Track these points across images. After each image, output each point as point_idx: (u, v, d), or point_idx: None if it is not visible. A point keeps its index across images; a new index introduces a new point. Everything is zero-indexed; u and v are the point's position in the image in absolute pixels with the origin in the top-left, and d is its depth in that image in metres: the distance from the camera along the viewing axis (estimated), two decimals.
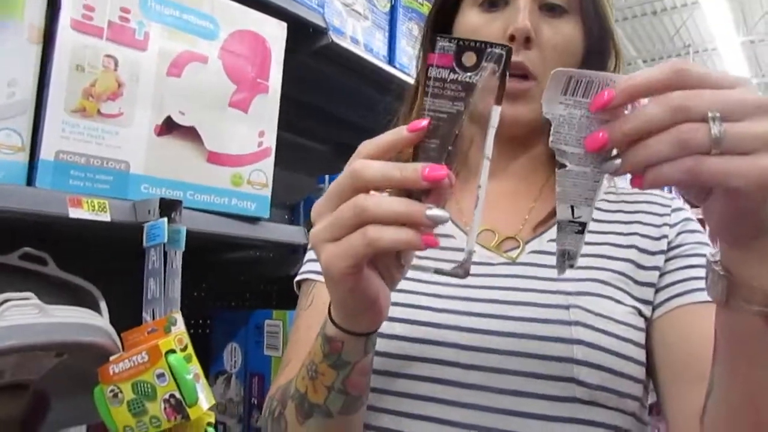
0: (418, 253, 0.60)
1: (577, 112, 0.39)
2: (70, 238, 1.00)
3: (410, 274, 0.60)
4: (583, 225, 0.41)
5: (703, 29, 7.62)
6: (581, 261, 0.59)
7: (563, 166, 0.40)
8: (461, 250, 0.60)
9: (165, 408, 0.78)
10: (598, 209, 0.66)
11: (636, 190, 0.66)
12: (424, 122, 0.39)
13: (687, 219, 0.65)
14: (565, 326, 0.55)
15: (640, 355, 0.57)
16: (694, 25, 7.75)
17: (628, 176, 0.39)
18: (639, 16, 7.72)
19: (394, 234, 0.38)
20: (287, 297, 1.57)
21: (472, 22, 0.65)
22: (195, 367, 0.81)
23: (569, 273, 0.57)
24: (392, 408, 0.58)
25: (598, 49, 0.66)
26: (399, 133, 0.40)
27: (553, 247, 0.61)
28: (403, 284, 0.58)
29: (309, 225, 1.59)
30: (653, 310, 0.61)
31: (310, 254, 0.77)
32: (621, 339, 0.56)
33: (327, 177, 1.51)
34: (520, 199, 0.68)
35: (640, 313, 0.60)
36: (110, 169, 0.88)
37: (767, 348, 0.41)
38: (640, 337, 0.58)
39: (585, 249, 0.60)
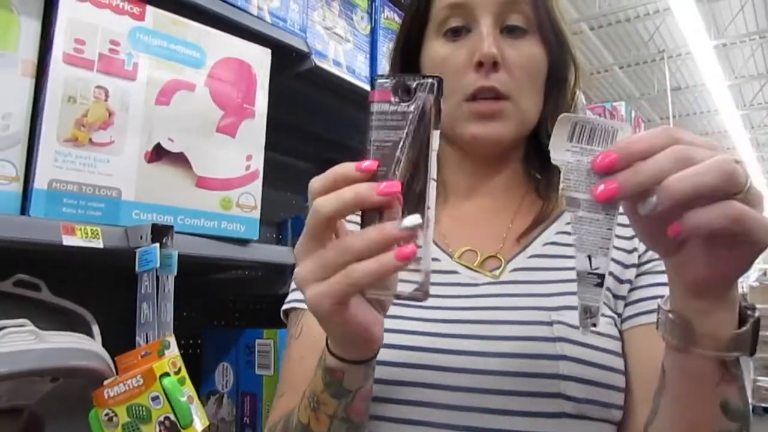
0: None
1: (584, 159, 0.41)
2: (64, 264, 1.01)
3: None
4: (602, 277, 0.42)
5: (677, 34, 7.77)
6: (560, 275, 0.62)
7: (575, 212, 0.41)
8: (451, 272, 0.65)
9: (160, 430, 0.79)
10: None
11: None
12: (372, 164, 0.41)
13: None
14: (549, 342, 0.56)
15: (621, 364, 0.59)
16: (668, 31, 7.90)
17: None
18: (613, 23, 7.86)
19: (374, 265, 0.39)
20: (277, 316, 1.59)
21: (438, 52, 0.67)
22: (189, 389, 0.83)
23: (550, 288, 0.61)
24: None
25: (559, 63, 0.68)
26: (347, 169, 0.41)
27: (534, 262, 0.64)
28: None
29: (296, 242, 1.61)
30: (623, 320, 0.62)
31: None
32: (604, 351, 0.57)
33: None
34: (499, 217, 0.70)
35: (616, 324, 0.62)
36: (102, 196, 0.90)
37: (715, 386, 0.43)
38: (619, 347, 0.60)
39: (563, 263, 0.63)
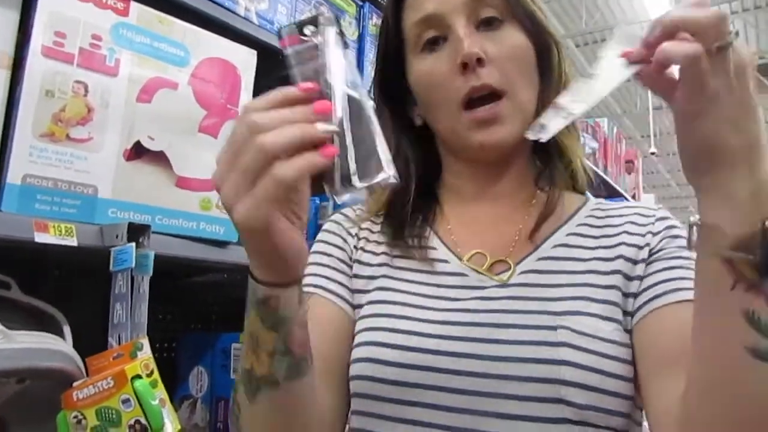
0: (406, 276, 0.67)
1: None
2: (36, 262, 0.99)
3: (400, 298, 0.65)
4: (572, 117, 0.48)
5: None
6: (569, 278, 0.62)
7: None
8: (459, 275, 0.65)
9: None
10: (586, 225, 0.68)
11: (622, 206, 0.68)
12: (310, 84, 0.44)
13: (671, 226, 0.64)
14: (552, 347, 0.56)
15: (628, 371, 0.57)
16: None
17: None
18: (599, 41, 7.96)
19: (300, 162, 0.41)
20: None
21: (422, 68, 0.66)
22: (161, 392, 0.81)
23: (557, 292, 0.61)
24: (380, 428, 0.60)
25: (542, 46, 0.67)
26: (289, 91, 0.43)
27: (542, 265, 0.64)
28: (394, 309, 0.64)
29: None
30: (633, 315, 0.60)
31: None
32: (607, 357, 0.56)
33: None
34: (508, 219, 0.69)
35: (626, 328, 0.60)
36: (78, 193, 0.88)
37: (730, 291, 0.44)
38: (627, 353, 0.58)
39: (573, 266, 0.63)
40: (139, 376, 0.79)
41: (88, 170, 0.88)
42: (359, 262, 0.71)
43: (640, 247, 0.63)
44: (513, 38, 0.64)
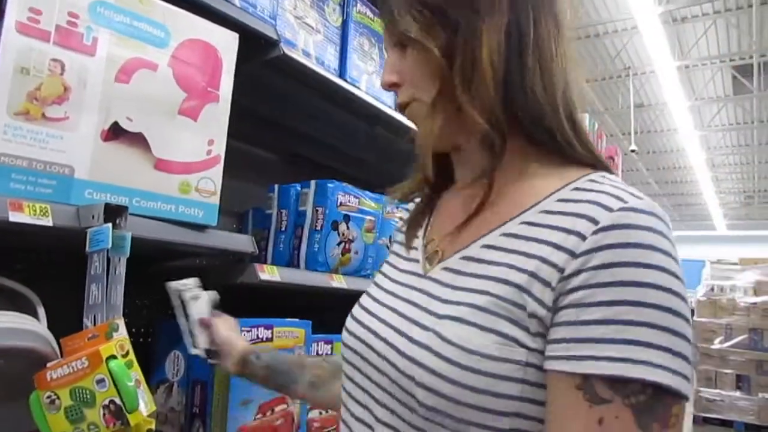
0: (393, 261, 0.77)
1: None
2: (11, 243, 0.98)
3: (377, 280, 0.75)
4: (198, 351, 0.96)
5: (642, 53, 7.99)
6: (475, 283, 0.58)
7: None
8: (414, 261, 0.71)
9: (104, 414, 0.77)
10: (528, 223, 0.59)
11: (591, 195, 0.55)
12: None
13: (611, 245, 0.50)
14: (417, 347, 0.58)
15: (505, 387, 0.53)
16: (634, 49, 8.12)
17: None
18: (582, 38, 8.02)
19: None
20: (233, 305, 1.57)
21: None
22: (136, 373, 0.81)
23: (451, 294, 0.60)
24: (343, 385, 0.72)
25: (449, 43, 0.62)
26: None
27: (461, 265, 0.62)
28: (370, 289, 0.76)
29: (256, 234, 1.59)
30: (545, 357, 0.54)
31: None
32: (469, 370, 0.53)
33: (276, 186, 1.52)
34: (461, 210, 0.68)
35: (521, 343, 0.54)
36: (54, 173, 0.87)
37: None
38: (506, 369, 0.53)
39: (486, 270, 0.59)
40: (114, 357, 0.78)
41: (64, 150, 0.87)
42: (389, 253, 0.83)
43: (554, 266, 0.53)
44: (411, 56, 0.67)
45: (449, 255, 0.65)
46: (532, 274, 0.54)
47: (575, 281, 0.51)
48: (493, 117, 0.61)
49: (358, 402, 0.67)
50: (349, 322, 0.72)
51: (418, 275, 0.68)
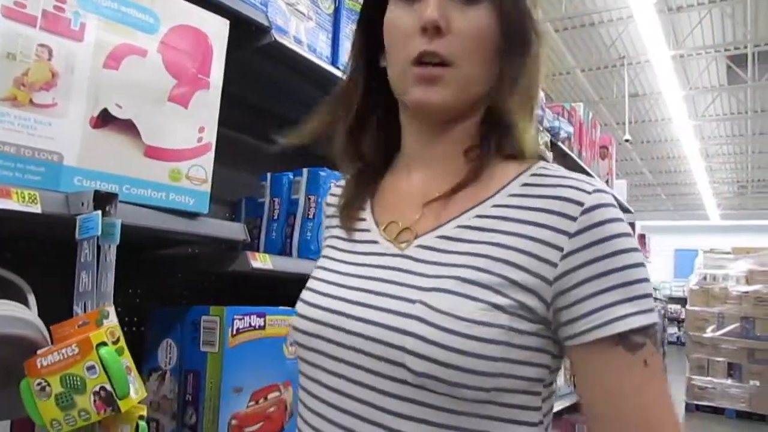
0: (337, 245, 0.76)
1: None
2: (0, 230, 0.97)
3: (327, 264, 0.75)
4: None
5: (637, 42, 7.99)
6: (455, 258, 0.64)
7: None
8: (372, 242, 0.72)
9: (95, 401, 0.77)
10: (502, 206, 0.65)
11: (556, 180, 0.64)
12: None
13: (599, 223, 0.60)
14: (404, 318, 0.61)
15: (489, 350, 0.58)
16: (629, 38, 8.11)
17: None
18: (578, 27, 8.01)
19: None
20: (225, 293, 1.56)
21: (394, 15, 0.69)
22: (127, 360, 0.81)
23: (433, 269, 0.64)
24: (302, 370, 0.71)
25: (518, 34, 0.68)
26: None
27: (437, 243, 0.66)
28: (318, 273, 0.75)
29: (249, 222, 1.58)
30: (565, 338, 0.62)
31: None
32: (457, 335, 0.58)
33: (269, 175, 1.51)
34: (429, 188, 0.70)
35: (503, 309, 0.60)
36: (42, 160, 0.86)
37: None
38: (491, 333, 0.59)
39: (466, 248, 0.64)
40: (104, 344, 0.78)
41: (52, 137, 0.87)
42: (324, 239, 0.83)
43: (550, 245, 0.61)
44: (479, 18, 0.66)
45: (423, 234, 0.68)
46: (519, 250, 0.62)
47: (580, 258, 0.60)
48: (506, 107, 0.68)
49: (327, 387, 0.66)
50: (305, 309, 0.71)
51: (389, 255, 0.69)
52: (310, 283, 0.75)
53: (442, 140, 0.71)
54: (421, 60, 0.65)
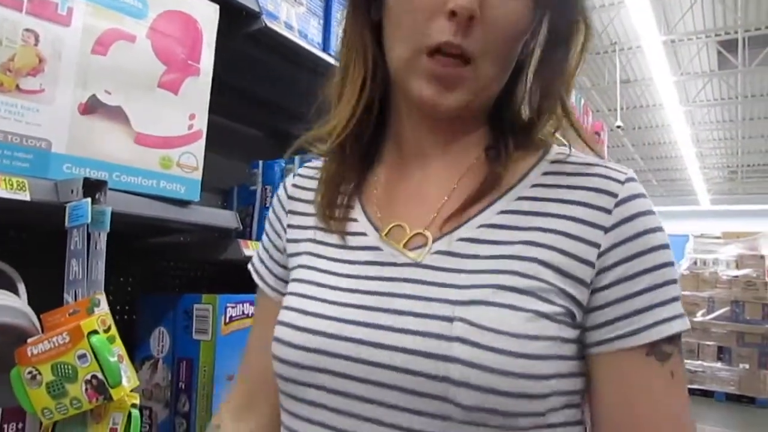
0: (322, 252, 0.64)
1: None
2: None
3: (314, 277, 0.61)
4: None
5: (629, 27, 7.97)
6: (485, 264, 0.54)
7: None
8: (374, 249, 0.60)
9: (86, 389, 0.77)
10: (526, 198, 0.58)
11: (581, 167, 0.57)
12: None
13: (636, 215, 0.54)
14: (444, 341, 0.50)
15: (542, 367, 0.51)
16: (621, 24, 8.09)
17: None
18: None
19: None
20: (217, 281, 1.56)
21: None
22: (119, 348, 0.81)
23: (465, 278, 0.53)
24: (293, 411, 0.59)
25: (562, 24, 0.59)
26: None
27: (460, 247, 0.56)
28: (306, 289, 0.61)
29: (241, 211, 1.57)
30: (587, 346, 0.54)
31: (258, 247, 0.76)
32: (509, 354, 0.49)
33: (261, 162, 1.50)
34: (441, 187, 0.61)
35: (550, 317, 0.52)
36: (30, 147, 0.85)
37: None
38: (542, 347, 0.51)
39: (494, 250, 0.55)
40: (95, 332, 0.78)
41: (40, 123, 0.86)
42: (291, 240, 0.69)
43: (588, 243, 0.54)
44: (517, 8, 0.56)
45: (438, 238, 0.58)
46: (558, 249, 0.54)
47: (614, 256, 0.53)
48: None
49: (337, 431, 0.55)
50: (292, 334, 0.58)
51: (401, 264, 0.57)
52: (293, 302, 0.61)
53: (450, 133, 0.62)
54: (438, 49, 0.55)
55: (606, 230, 0.53)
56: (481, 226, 0.57)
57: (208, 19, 1.06)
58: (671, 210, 17.11)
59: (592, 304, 0.54)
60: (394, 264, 0.58)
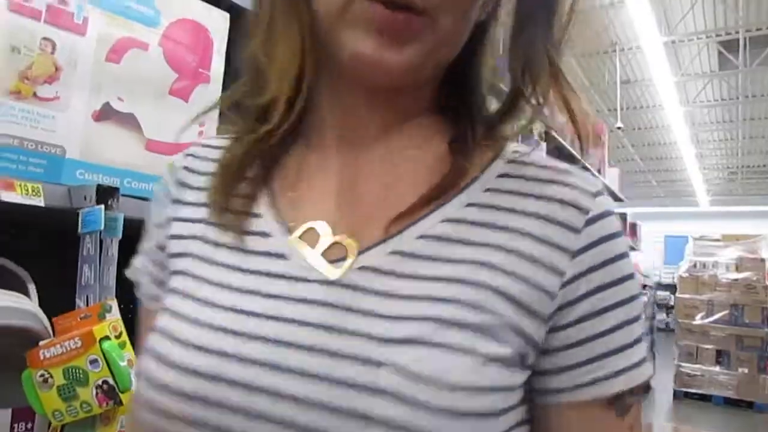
0: (212, 256, 0.47)
1: None
2: (3, 222, 0.98)
3: (198, 291, 0.45)
4: None
5: (629, 28, 7.97)
6: (424, 287, 0.42)
7: None
8: (278, 256, 0.45)
9: (97, 394, 0.79)
10: (477, 205, 0.45)
11: (544, 174, 0.46)
12: None
13: (605, 237, 0.44)
14: (368, 397, 0.38)
15: (484, 426, 0.39)
16: (620, 24, 8.09)
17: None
18: None
19: None
20: None
21: None
22: (129, 353, 0.82)
23: (400, 307, 0.41)
24: None
25: None
26: None
27: (393, 263, 0.43)
28: (187, 308, 0.45)
29: None
30: (537, 389, 0.44)
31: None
32: (451, 416, 0.38)
33: None
34: (370, 186, 0.47)
35: (504, 362, 0.41)
36: (45, 153, 0.87)
37: None
38: (498, 400, 0.40)
39: (436, 269, 0.42)
40: (107, 338, 0.80)
41: (55, 130, 0.87)
42: (174, 236, 0.51)
43: (551, 270, 0.43)
44: None
45: (366, 249, 0.44)
46: (514, 275, 0.42)
47: (580, 287, 0.43)
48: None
49: None
50: (163, 372, 0.42)
51: (316, 282, 0.43)
52: (168, 324, 0.45)
53: (391, 110, 0.48)
54: None
55: (573, 255, 0.43)
56: (422, 237, 0.44)
57: (219, 26, 1.08)
58: (671, 211, 17.14)
59: (549, 344, 0.43)
60: (305, 280, 0.43)
